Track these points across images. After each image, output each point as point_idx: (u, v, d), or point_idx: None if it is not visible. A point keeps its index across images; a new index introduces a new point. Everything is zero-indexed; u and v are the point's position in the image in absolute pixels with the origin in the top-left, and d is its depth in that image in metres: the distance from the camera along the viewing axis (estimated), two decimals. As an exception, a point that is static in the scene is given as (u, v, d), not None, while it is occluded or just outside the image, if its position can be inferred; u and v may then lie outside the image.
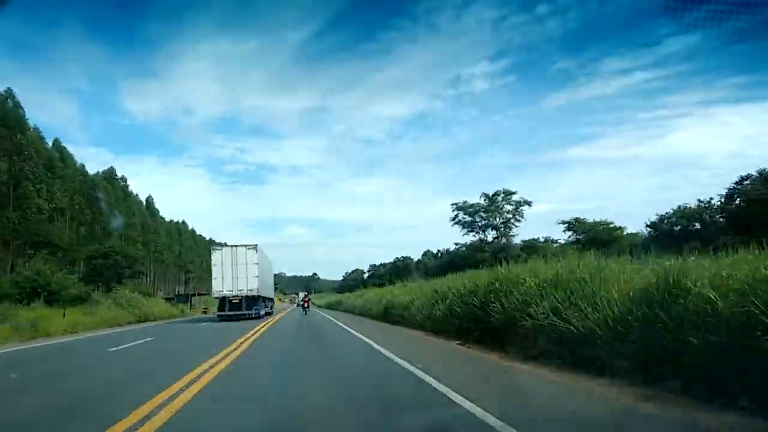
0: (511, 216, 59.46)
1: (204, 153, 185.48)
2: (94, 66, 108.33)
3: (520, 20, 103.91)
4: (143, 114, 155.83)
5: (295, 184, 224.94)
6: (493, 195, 58.98)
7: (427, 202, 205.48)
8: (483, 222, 59.98)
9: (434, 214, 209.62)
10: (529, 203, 59.01)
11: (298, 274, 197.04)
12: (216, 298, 26.68)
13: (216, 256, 26.48)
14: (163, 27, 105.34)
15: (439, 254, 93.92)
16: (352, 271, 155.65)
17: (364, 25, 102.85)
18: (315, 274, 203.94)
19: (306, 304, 35.10)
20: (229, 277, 25.83)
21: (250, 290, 25.90)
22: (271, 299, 36.05)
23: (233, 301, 25.66)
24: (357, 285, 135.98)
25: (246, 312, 25.56)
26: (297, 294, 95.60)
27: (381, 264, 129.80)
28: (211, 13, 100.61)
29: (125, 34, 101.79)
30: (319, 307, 70.04)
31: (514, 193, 58.72)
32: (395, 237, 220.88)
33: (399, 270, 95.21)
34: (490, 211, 58.66)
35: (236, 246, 26.91)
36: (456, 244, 70.10)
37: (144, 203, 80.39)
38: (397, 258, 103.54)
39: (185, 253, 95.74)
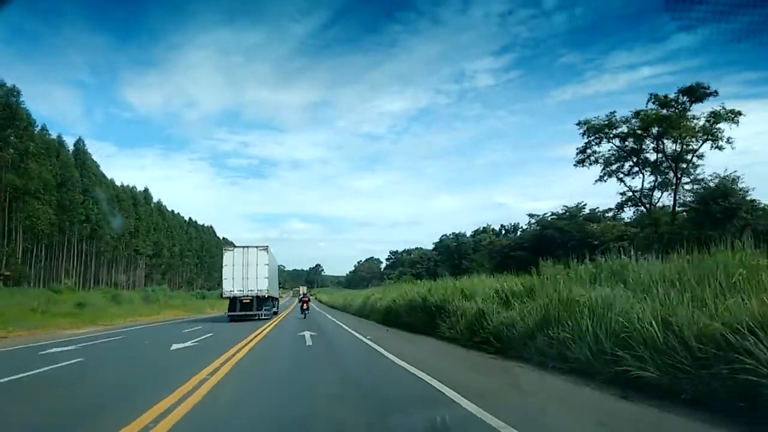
0: (705, 138, 32.30)
1: (207, 146, 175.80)
2: (96, 57, 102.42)
3: (527, 14, 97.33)
4: (145, 106, 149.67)
5: (298, 178, 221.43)
6: (680, 92, 31.78)
7: (429, 197, 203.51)
8: (651, 151, 33.04)
9: (437, 209, 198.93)
10: (734, 118, 31.56)
11: (298, 268, 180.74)
12: (226, 298, 26.45)
13: (227, 257, 26.62)
14: (166, 18, 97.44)
15: (503, 231, 67.42)
16: (366, 260, 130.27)
17: (369, 17, 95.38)
18: (318, 265, 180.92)
19: (305, 305, 28.11)
20: (240, 278, 25.94)
21: (260, 291, 26.10)
22: (277, 299, 35.66)
23: (244, 302, 25.74)
24: (374, 277, 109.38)
25: (257, 312, 25.78)
26: (299, 288, 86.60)
27: (405, 250, 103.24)
28: (215, 4, 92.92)
29: (128, 25, 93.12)
30: (330, 306, 48.36)
31: (713, 93, 31.62)
32: (396, 233, 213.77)
33: (450, 252, 68.82)
34: (675, 127, 31.39)
35: (247, 247, 27.07)
36: (530, 215, 49.01)
37: (71, 149, 53.30)
38: (444, 235, 76.58)
39: (145, 232, 68.97)
